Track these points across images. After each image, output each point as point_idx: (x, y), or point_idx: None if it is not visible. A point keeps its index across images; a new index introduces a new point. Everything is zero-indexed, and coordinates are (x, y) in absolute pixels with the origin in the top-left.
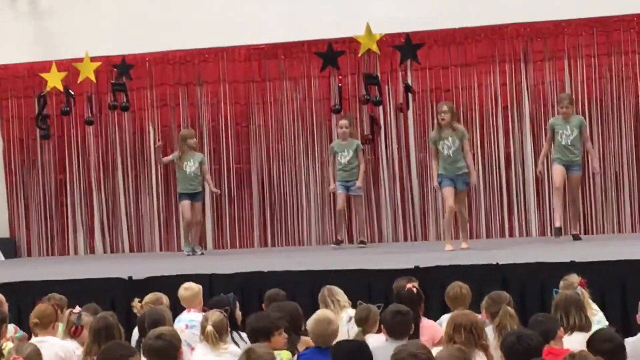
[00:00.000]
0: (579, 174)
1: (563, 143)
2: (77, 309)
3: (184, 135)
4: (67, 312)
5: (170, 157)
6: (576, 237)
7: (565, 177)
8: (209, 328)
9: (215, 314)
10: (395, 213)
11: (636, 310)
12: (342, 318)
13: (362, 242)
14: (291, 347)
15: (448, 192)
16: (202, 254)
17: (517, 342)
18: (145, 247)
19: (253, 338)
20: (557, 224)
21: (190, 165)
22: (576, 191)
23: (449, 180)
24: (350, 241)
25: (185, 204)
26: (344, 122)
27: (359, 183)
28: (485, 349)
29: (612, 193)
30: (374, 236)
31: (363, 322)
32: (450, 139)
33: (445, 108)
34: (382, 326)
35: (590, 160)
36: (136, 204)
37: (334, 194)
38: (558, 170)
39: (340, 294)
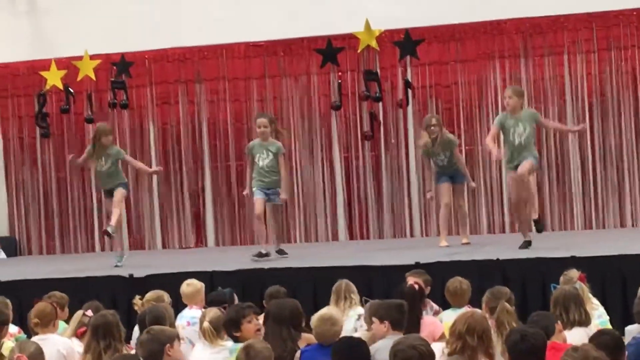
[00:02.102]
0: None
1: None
2: (90, 312)
3: (101, 130)
4: (79, 312)
5: (84, 155)
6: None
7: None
8: (206, 324)
9: (213, 311)
10: (395, 209)
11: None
12: (350, 316)
13: (280, 251)
14: (292, 343)
15: (445, 188)
16: (117, 265)
17: (521, 340)
18: (146, 244)
19: (228, 331)
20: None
21: (106, 165)
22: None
23: (446, 176)
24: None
25: (107, 203)
26: (261, 120)
27: (283, 195)
28: (491, 358)
29: (613, 187)
30: (374, 233)
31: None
32: (442, 153)
33: (434, 121)
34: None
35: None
36: (136, 201)
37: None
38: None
39: (355, 292)
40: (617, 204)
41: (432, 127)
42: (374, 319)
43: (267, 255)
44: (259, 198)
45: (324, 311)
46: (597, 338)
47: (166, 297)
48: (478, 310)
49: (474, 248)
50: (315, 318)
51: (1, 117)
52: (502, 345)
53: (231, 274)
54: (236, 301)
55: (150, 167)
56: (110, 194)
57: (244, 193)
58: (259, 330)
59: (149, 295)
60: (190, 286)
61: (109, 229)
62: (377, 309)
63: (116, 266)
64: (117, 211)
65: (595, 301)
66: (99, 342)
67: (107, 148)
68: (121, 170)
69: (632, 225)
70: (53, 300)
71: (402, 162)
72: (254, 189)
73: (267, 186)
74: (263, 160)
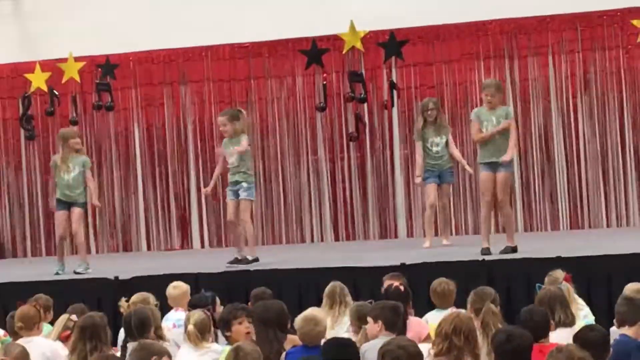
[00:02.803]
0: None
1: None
2: (74, 317)
3: (65, 135)
4: (63, 316)
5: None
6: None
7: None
8: (191, 327)
9: (197, 314)
10: (381, 210)
11: None
12: (344, 323)
13: (249, 259)
14: (277, 345)
15: (431, 188)
16: (81, 272)
17: (507, 341)
18: (131, 246)
19: (222, 331)
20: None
21: (70, 170)
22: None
23: (434, 176)
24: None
25: (60, 214)
26: (220, 119)
27: (241, 148)
28: (477, 359)
29: (598, 188)
30: (360, 234)
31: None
32: (437, 136)
33: (431, 105)
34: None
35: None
36: (122, 203)
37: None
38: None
39: (349, 296)
40: (602, 203)
41: (429, 112)
42: (368, 318)
43: (242, 260)
44: (230, 201)
45: (307, 312)
46: (584, 334)
47: (152, 299)
48: (463, 311)
49: (460, 249)
50: (298, 319)
51: None
52: (488, 346)
53: (216, 276)
54: (218, 304)
55: (95, 197)
56: (65, 206)
57: (205, 190)
58: (249, 332)
59: (135, 297)
60: (176, 289)
61: (81, 269)
62: (373, 308)
63: (76, 272)
64: (83, 243)
65: (580, 301)
66: (85, 343)
67: (75, 153)
68: (84, 183)
69: (618, 225)
70: (38, 303)
71: (387, 164)
72: (227, 190)
73: (235, 183)
74: (230, 157)
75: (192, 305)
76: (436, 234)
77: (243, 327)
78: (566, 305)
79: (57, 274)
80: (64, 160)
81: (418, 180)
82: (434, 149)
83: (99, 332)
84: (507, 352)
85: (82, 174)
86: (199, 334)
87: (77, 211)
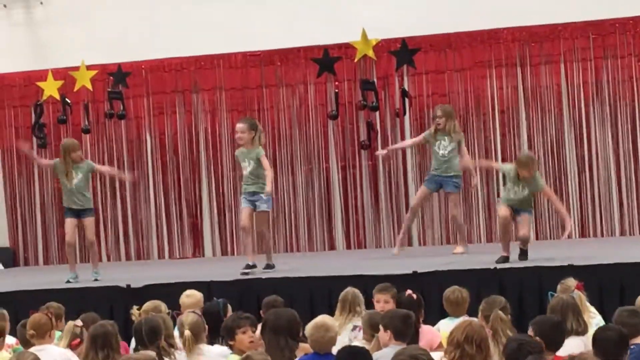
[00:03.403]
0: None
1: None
2: (79, 322)
3: (67, 146)
4: (69, 323)
5: (49, 162)
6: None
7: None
8: (187, 333)
9: (190, 316)
10: (393, 218)
11: None
12: (347, 328)
13: (268, 265)
14: (289, 353)
15: (420, 191)
16: (95, 279)
17: (518, 349)
18: (143, 254)
19: (225, 340)
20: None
21: (73, 177)
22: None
23: (434, 183)
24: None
25: (68, 222)
26: (240, 125)
27: (268, 188)
28: None
29: (610, 195)
30: (371, 242)
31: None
32: (446, 141)
33: (438, 112)
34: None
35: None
36: (134, 211)
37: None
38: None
39: (362, 304)
40: (616, 211)
41: (437, 119)
42: (380, 326)
43: (254, 267)
44: (244, 208)
45: (318, 319)
46: (601, 334)
47: (163, 307)
48: (475, 319)
49: (472, 257)
50: (309, 326)
51: None
52: (499, 354)
53: (229, 284)
54: (229, 312)
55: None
56: (75, 214)
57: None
58: (252, 342)
59: (147, 305)
60: (190, 297)
61: (97, 276)
62: (384, 317)
63: (96, 280)
64: (95, 250)
65: (592, 310)
66: (97, 352)
67: (78, 163)
68: (89, 189)
69: (630, 234)
70: (50, 310)
71: (399, 172)
72: (241, 198)
73: (254, 190)
74: (245, 168)
75: (204, 314)
76: (451, 243)
77: (247, 337)
78: (579, 314)
79: (68, 282)
80: (67, 169)
81: (382, 151)
82: (441, 151)
83: (111, 340)
84: None
85: (85, 179)
86: (194, 339)
87: (88, 221)
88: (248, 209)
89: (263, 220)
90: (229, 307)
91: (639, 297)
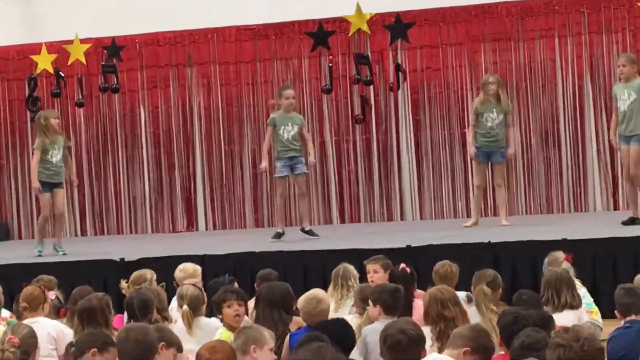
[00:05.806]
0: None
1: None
2: (52, 293)
3: (47, 115)
4: (49, 296)
5: (37, 155)
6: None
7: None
8: (185, 309)
9: (190, 289)
10: (387, 192)
11: None
12: (347, 305)
13: (309, 231)
14: (283, 326)
15: (477, 169)
16: (64, 253)
17: (513, 322)
18: (137, 228)
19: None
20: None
21: (56, 153)
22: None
23: (484, 155)
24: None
25: (47, 196)
26: (291, 92)
27: (311, 159)
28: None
29: (605, 170)
30: (365, 216)
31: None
32: (493, 113)
33: (491, 79)
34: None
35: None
36: (127, 185)
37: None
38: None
39: (352, 279)
40: (610, 185)
41: (490, 85)
42: (369, 301)
43: (282, 234)
44: (285, 176)
45: (309, 292)
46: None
47: (149, 274)
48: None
49: (466, 231)
50: (301, 299)
51: None
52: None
53: (223, 258)
54: (236, 286)
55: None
56: (49, 187)
57: (262, 166)
58: (237, 315)
59: (133, 276)
60: (182, 271)
61: (60, 250)
62: (373, 292)
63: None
64: (63, 223)
65: (577, 282)
66: (84, 327)
67: (58, 135)
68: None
69: (624, 208)
70: (41, 283)
71: (393, 146)
72: (277, 164)
73: (292, 158)
74: (288, 132)
75: (209, 289)
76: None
77: (232, 311)
78: (573, 287)
79: (39, 255)
80: (52, 143)
81: (472, 151)
82: (488, 124)
83: (96, 315)
84: (514, 333)
85: (62, 154)
86: (192, 312)
87: (61, 192)
88: (287, 179)
89: (304, 182)
90: (235, 284)
91: (638, 275)
